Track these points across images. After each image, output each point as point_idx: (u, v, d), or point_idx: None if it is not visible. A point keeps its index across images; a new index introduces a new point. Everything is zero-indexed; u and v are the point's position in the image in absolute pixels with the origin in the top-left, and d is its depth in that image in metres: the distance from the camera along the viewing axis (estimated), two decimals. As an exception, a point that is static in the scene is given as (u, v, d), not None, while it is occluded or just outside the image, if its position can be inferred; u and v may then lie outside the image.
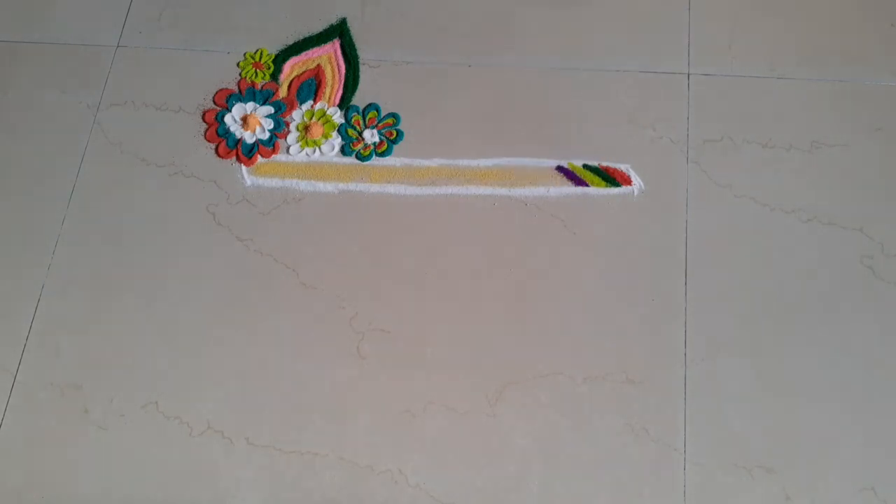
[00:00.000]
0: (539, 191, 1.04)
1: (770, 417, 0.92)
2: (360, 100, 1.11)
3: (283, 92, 1.12)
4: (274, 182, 1.07)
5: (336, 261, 1.02)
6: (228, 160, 1.09)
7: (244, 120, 1.10)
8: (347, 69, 1.13)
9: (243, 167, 1.08)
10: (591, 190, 1.04)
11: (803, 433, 0.91)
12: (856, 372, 0.93)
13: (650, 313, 0.97)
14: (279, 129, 1.10)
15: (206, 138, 1.10)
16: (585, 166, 1.05)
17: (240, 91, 1.13)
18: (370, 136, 1.09)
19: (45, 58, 1.17)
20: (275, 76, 1.13)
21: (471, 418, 0.93)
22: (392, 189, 1.06)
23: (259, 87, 1.13)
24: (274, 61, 1.14)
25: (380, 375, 0.96)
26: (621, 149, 1.06)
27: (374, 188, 1.06)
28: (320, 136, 1.09)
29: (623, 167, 1.05)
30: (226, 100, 1.12)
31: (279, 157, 1.09)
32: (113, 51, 1.17)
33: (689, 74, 1.10)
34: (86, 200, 1.07)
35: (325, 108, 1.11)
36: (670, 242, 1.00)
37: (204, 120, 1.11)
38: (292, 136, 1.09)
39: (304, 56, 1.15)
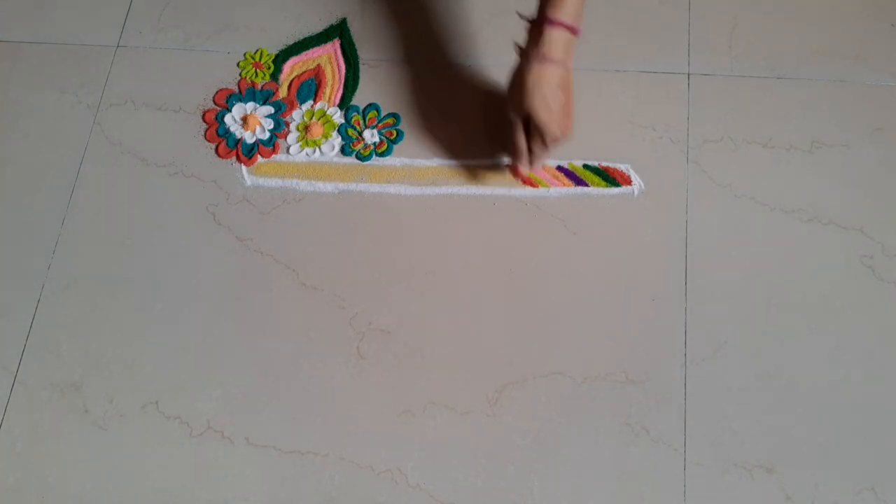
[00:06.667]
0: (539, 191, 1.04)
1: (770, 418, 0.92)
2: (360, 100, 1.11)
3: (283, 92, 1.12)
4: (274, 182, 1.07)
5: (336, 261, 1.02)
6: (228, 160, 1.09)
7: (244, 120, 1.10)
8: (347, 69, 1.13)
9: (243, 167, 1.08)
10: (591, 190, 1.04)
11: (803, 433, 0.91)
12: (856, 372, 0.93)
13: (650, 313, 0.97)
14: (279, 129, 1.10)
15: (206, 138, 1.10)
16: (585, 166, 1.05)
17: (240, 91, 1.13)
18: (370, 136, 1.09)
19: (45, 58, 1.17)
20: (275, 76, 1.13)
21: (471, 418, 0.93)
22: (392, 189, 1.06)
23: (259, 87, 1.13)
24: (274, 61, 1.14)
25: (380, 375, 0.96)
26: (621, 149, 1.06)
27: (374, 188, 1.06)
28: (320, 136, 1.09)
29: (623, 167, 1.05)
30: (226, 100, 1.12)
31: (279, 157, 1.09)
32: (113, 51, 1.17)
33: (689, 74, 1.10)
34: (86, 200, 1.07)
35: (325, 108, 1.11)
36: (670, 242, 1.00)
37: (204, 120, 1.11)
38: (292, 136, 1.09)
39: (304, 56, 1.15)
